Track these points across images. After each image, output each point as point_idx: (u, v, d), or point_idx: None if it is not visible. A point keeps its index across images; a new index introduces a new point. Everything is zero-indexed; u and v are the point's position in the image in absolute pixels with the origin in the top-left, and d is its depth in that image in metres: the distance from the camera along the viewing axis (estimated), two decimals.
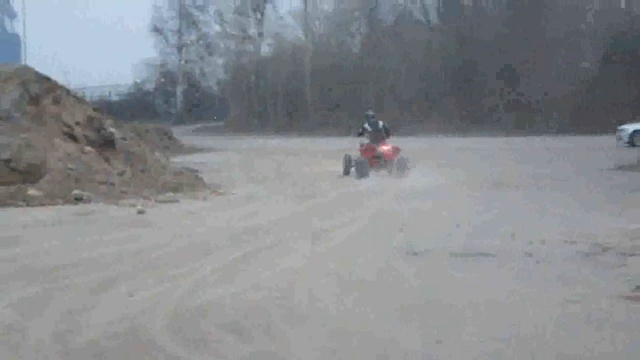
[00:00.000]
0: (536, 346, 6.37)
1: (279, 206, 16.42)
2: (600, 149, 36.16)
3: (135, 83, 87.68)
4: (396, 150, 24.36)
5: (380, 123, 25.28)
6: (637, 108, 47.19)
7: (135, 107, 76.22)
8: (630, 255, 10.02)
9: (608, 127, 44.71)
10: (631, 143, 36.51)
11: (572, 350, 6.25)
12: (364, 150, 24.71)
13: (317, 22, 72.37)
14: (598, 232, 11.86)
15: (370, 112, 26.27)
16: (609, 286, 8.36)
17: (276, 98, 69.76)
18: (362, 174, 23.50)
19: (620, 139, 39.18)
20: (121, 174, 18.42)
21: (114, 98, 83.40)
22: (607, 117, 49.94)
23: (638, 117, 40.77)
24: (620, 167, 25.13)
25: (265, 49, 76.37)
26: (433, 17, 69.18)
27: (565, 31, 59.25)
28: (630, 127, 39.26)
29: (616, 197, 16.78)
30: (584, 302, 7.71)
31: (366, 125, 25.23)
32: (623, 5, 62.23)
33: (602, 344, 6.40)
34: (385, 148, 24.38)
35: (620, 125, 40.69)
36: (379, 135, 24.85)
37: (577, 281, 8.69)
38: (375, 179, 22.35)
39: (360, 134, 25.26)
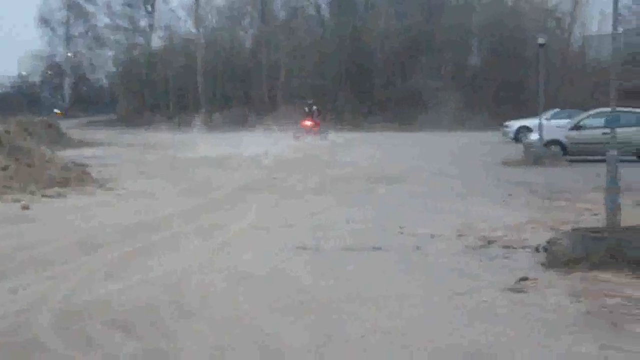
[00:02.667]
0: (423, 338, 6.47)
1: (170, 201, 16.21)
2: (486, 144, 37.06)
3: (21, 75, 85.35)
4: (317, 124, 41.43)
5: (314, 107, 42.10)
6: (523, 104, 48.62)
7: (21, 100, 74.18)
8: (514, 248, 10.31)
9: (495, 122, 46.02)
10: (516, 139, 37.53)
11: (457, 342, 6.38)
12: (301, 123, 41.25)
13: (209, 16, 71.83)
14: (484, 226, 12.14)
15: (309, 101, 43.20)
16: (494, 278, 8.57)
17: (168, 92, 68.99)
18: (296, 137, 38.42)
19: (506, 134, 40.34)
20: (5, 168, 17.87)
21: None
22: (495, 112, 51.34)
23: (524, 113, 42.03)
24: (505, 163, 25.77)
25: (156, 42, 75.38)
26: (325, 12, 69.57)
27: (454, 28, 60.51)
28: (515, 124, 40.51)
29: (501, 192, 17.19)
30: (469, 295, 7.89)
31: (306, 109, 42.26)
32: (510, 3, 63.92)
33: (486, 335, 6.55)
34: (308, 123, 41.25)
35: (506, 121, 41.96)
36: (309, 115, 41.81)
37: (463, 274, 8.89)
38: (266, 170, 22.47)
39: (306, 113, 41.90)
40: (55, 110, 70.00)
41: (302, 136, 39.14)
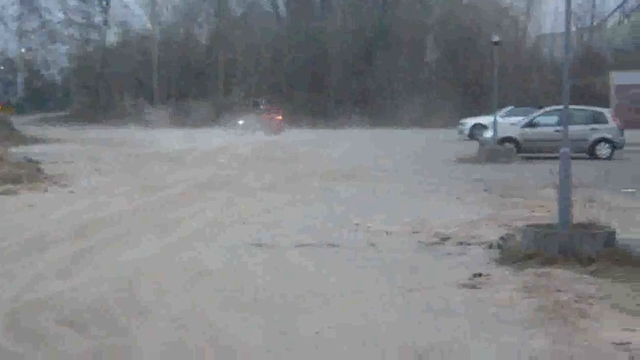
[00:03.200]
0: (377, 335, 6.49)
1: (125, 198, 16.05)
2: (443, 141, 37.28)
3: None
4: (278, 120, 46.12)
5: (265, 105, 48.63)
6: (480, 101, 49.12)
7: None
8: (468, 244, 10.39)
9: (452, 120, 46.29)
10: (471, 136, 37.83)
11: (412, 337, 6.40)
12: (263, 117, 45.97)
13: (164, 11, 71.28)
14: (439, 223, 12.21)
15: (257, 99, 50.76)
16: (448, 274, 8.62)
17: (122, 88, 68.34)
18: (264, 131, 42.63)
19: (462, 132, 40.61)
20: None
21: None
22: (452, 109, 51.64)
23: (481, 111, 42.49)
24: (460, 159, 25.95)
25: (111, 38, 74.61)
26: (282, 9, 69.45)
27: (410, 25, 60.74)
28: (470, 121, 40.80)
29: (456, 189, 17.30)
30: (424, 291, 7.93)
31: (261, 107, 48.40)
32: (465, 0, 64.29)
33: (440, 331, 6.58)
34: (279, 117, 46.56)
35: (461, 119, 42.27)
36: (268, 112, 47.50)
37: (418, 270, 8.93)
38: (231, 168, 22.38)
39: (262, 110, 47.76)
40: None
41: (267, 130, 43.08)
